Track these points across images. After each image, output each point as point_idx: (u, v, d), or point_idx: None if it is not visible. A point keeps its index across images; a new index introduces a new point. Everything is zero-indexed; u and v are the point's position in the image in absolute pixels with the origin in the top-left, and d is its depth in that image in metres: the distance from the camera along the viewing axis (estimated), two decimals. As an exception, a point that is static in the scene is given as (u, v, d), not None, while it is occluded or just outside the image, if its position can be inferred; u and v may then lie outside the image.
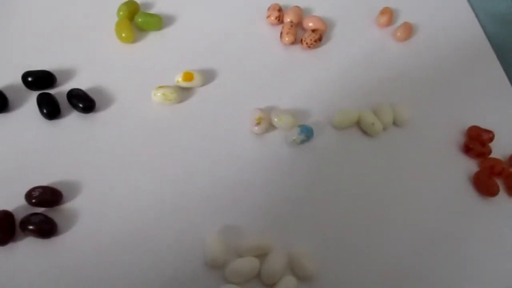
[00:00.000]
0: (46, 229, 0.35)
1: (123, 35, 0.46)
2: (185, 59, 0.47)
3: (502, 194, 0.43)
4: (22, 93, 0.42)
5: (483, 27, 0.56)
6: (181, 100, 0.44)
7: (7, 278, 0.34)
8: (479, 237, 0.40)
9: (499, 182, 0.43)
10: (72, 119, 0.42)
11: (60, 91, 0.43)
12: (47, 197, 0.37)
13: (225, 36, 0.49)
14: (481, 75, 0.51)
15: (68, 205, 0.37)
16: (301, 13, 0.51)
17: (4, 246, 0.35)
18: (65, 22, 0.48)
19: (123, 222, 0.37)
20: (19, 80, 0.42)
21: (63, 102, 0.42)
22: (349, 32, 0.52)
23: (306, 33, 0.49)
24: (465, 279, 0.38)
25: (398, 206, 0.41)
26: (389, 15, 0.53)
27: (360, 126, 0.45)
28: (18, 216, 0.36)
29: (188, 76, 0.44)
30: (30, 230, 0.35)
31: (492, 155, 0.44)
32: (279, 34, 0.50)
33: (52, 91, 0.42)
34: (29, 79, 0.42)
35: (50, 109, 0.41)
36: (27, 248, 0.35)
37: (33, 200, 0.36)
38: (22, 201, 0.36)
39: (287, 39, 0.49)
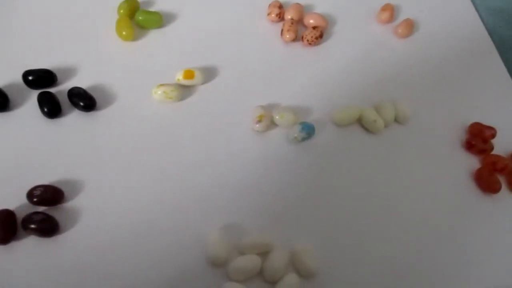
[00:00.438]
0: (47, 228, 0.35)
1: (124, 33, 0.46)
2: (185, 57, 0.47)
3: (504, 191, 0.43)
4: (23, 92, 0.42)
5: (484, 23, 0.56)
6: (182, 98, 0.44)
7: (9, 277, 0.34)
8: (481, 234, 0.40)
9: (501, 179, 0.43)
10: (73, 118, 0.42)
11: (60, 89, 0.43)
12: (49, 195, 0.37)
13: (226, 34, 0.49)
14: (483, 71, 0.51)
15: (70, 204, 0.37)
16: (302, 10, 0.51)
17: (6, 245, 0.35)
18: (66, 21, 0.48)
19: (124, 221, 0.37)
20: (19, 79, 0.42)
21: (63, 100, 0.42)
22: (350, 29, 0.52)
23: (307, 30, 0.49)
24: (467, 275, 0.38)
25: (400, 203, 0.41)
26: (390, 11, 0.52)
27: (362, 123, 0.45)
28: (20, 215, 0.36)
29: (188, 74, 0.44)
30: (32, 229, 0.35)
31: (494, 152, 0.44)
32: (280, 31, 0.49)
33: (52, 90, 0.42)
34: (30, 77, 0.42)
35: (50, 108, 0.41)
36: (28, 247, 0.35)
37: (35, 199, 0.36)
38: (23, 200, 0.36)
39: (288, 36, 0.49)
